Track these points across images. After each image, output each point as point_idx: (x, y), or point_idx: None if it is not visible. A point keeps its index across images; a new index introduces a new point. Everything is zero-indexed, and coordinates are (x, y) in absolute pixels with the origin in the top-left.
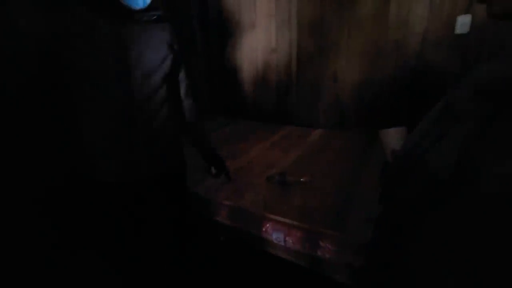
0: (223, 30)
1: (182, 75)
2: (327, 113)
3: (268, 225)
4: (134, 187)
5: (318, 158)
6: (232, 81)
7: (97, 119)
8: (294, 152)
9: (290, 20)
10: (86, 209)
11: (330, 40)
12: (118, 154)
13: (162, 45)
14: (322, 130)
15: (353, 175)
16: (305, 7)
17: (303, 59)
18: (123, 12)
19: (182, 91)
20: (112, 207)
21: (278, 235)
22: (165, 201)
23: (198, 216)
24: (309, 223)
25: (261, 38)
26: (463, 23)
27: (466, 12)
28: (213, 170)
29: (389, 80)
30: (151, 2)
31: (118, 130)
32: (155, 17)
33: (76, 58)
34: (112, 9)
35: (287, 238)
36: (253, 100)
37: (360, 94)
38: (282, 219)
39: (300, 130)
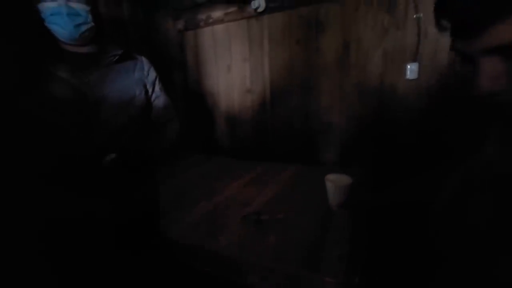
0: (201, 72)
1: (158, 94)
2: (300, 150)
3: (243, 268)
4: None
5: (293, 195)
6: (209, 120)
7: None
8: (270, 189)
9: (263, 63)
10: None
11: (300, 82)
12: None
13: (130, 84)
14: (297, 166)
15: (327, 210)
16: (276, 52)
17: (276, 99)
18: (82, 59)
19: (159, 102)
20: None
21: (253, 279)
22: (137, 246)
23: (171, 261)
24: (284, 264)
25: (237, 79)
26: (412, 70)
27: (414, 60)
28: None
29: (354, 119)
30: (97, 37)
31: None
32: (116, 58)
33: (33, 108)
34: (69, 57)
35: (262, 282)
36: (229, 138)
37: (330, 132)
38: (257, 262)
39: (275, 166)
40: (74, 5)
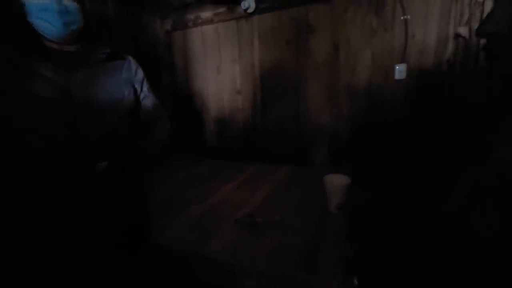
0: (189, 73)
1: (146, 94)
2: (292, 150)
3: (238, 273)
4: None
5: (287, 196)
6: (199, 121)
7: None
8: (263, 191)
9: (253, 64)
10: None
11: (290, 83)
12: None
13: (118, 84)
14: (289, 167)
15: (322, 211)
16: (266, 53)
17: (267, 100)
18: (68, 57)
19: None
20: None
21: (249, 284)
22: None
23: (163, 268)
24: (280, 267)
25: (227, 81)
26: (400, 70)
27: (402, 61)
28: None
29: (345, 119)
30: (84, 36)
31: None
32: (104, 57)
33: (13, 111)
34: (54, 55)
35: (259, 287)
36: (219, 139)
37: (320, 133)
38: (252, 266)
39: (267, 167)
40: (66, 2)
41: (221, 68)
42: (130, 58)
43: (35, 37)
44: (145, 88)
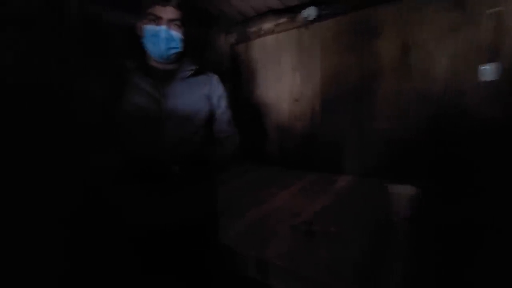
0: (251, 83)
1: (223, 110)
2: (352, 160)
3: (294, 280)
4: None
5: (346, 206)
6: (259, 129)
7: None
8: (321, 200)
9: (313, 72)
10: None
11: (352, 90)
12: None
13: (198, 98)
14: (348, 177)
15: (386, 223)
16: (327, 59)
17: (326, 108)
18: (163, 74)
19: (225, 117)
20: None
21: None
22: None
23: (220, 269)
24: (337, 279)
25: (286, 89)
26: (488, 71)
27: (491, 60)
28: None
29: (414, 127)
30: (180, 57)
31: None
32: (189, 73)
33: (120, 118)
34: (153, 72)
35: None
36: (278, 147)
37: (384, 143)
38: (310, 275)
39: (325, 176)
40: (173, 32)
41: (281, 77)
42: (213, 75)
43: (143, 58)
44: (223, 103)
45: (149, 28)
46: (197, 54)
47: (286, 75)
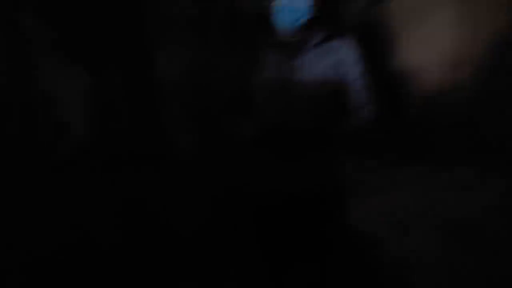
0: (394, 46)
1: (357, 77)
2: None
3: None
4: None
5: None
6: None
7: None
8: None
9: (483, 27)
10: None
11: None
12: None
13: (327, 66)
14: None
15: None
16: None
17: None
18: (291, 46)
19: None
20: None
21: None
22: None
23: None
24: None
25: (441, 51)
26: None
27: None
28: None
29: None
30: (312, 24)
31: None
32: (319, 39)
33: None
34: (283, 46)
35: None
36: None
37: None
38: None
39: None
40: (296, 3)
41: (435, 35)
42: (346, 39)
43: (272, 33)
44: (355, 70)
45: (275, 5)
46: (334, 15)
47: (442, 33)
